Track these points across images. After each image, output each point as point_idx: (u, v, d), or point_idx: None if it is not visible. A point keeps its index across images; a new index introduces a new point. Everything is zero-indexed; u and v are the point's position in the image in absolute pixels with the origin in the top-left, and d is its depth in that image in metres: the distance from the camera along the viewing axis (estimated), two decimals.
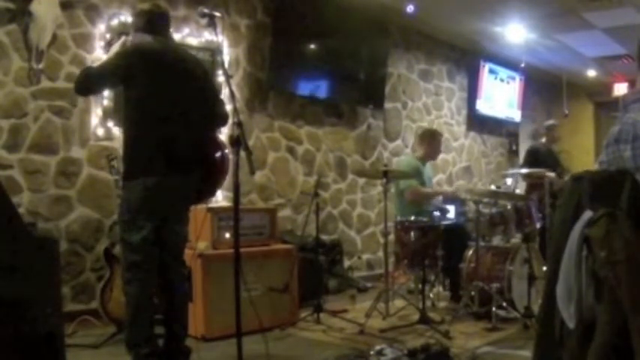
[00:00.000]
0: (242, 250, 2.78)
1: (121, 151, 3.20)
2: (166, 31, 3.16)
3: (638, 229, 1.68)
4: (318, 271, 4.83)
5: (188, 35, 4.89)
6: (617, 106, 2.00)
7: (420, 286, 4.32)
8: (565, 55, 7.92)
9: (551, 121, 6.63)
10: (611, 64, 8.47)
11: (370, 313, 4.08)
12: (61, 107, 4.21)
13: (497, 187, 5.39)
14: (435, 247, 4.28)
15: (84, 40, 4.32)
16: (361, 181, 6.44)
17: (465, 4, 6.08)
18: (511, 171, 5.34)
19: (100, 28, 4.38)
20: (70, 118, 4.26)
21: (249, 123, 5.30)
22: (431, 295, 4.68)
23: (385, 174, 4.27)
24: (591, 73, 8.94)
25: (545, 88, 9.60)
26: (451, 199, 5.05)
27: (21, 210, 3.88)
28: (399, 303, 4.44)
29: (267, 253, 4.17)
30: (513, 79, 8.57)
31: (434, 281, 4.77)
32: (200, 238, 3.79)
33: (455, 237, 4.58)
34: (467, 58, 7.92)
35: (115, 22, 4.43)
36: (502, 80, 8.36)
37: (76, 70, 3.87)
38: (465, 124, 8.11)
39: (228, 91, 2.86)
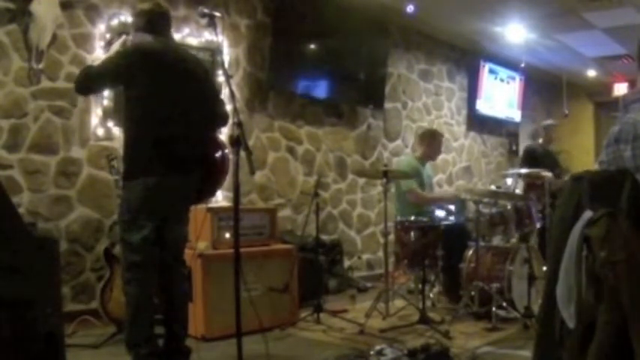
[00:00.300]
0: (242, 250, 2.78)
1: (121, 151, 3.21)
2: (167, 31, 3.16)
3: (638, 229, 1.68)
4: (318, 271, 4.83)
5: (188, 35, 4.89)
6: (617, 106, 2.00)
7: (420, 286, 4.32)
8: (565, 55, 7.92)
9: (548, 121, 6.62)
10: (611, 64, 8.47)
11: (370, 313, 4.08)
12: (61, 107, 4.21)
13: (497, 187, 5.39)
14: (435, 247, 4.28)
15: (84, 40, 4.32)
16: (361, 181, 6.44)
17: (465, 4, 6.08)
18: (511, 171, 5.33)
19: (100, 28, 4.38)
20: (70, 118, 4.26)
21: (249, 123, 5.30)
22: (431, 295, 4.68)
23: (385, 174, 4.27)
24: (591, 73, 8.93)
25: (545, 88, 9.60)
26: (453, 202, 5.04)
27: (21, 210, 3.88)
28: (399, 303, 4.44)
29: (267, 253, 4.17)
30: (513, 79, 8.57)
31: (434, 281, 4.77)
32: (200, 238, 3.79)
33: (455, 237, 4.58)
34: (467, 58, 7.92)
35: (115, 22, 4.43)
36: (502, 80, 8.36)
37: (76, 70, 3.87)
38: (465, 124, 8.11)
39: (228, 91, 2.86)
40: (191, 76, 3.11)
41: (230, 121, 3.09)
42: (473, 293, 4.24)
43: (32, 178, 4.07)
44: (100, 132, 4.39)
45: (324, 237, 5.70)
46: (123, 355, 3.07)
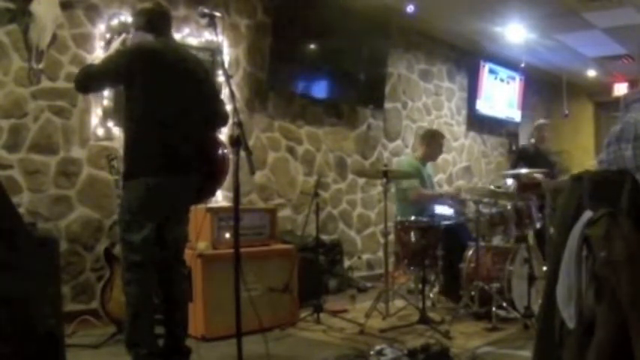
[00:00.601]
0: (242, 250, 2.78)
1: (121, 151, 3.21)
2: (167, 31, 3.16)
3: (638, 229, 1.68)
4: (318, 271, 4.83)
5: (188, 35, 4.89)
6: (617, 106, 2.00)
7: (420, 286, 4.32)
8: (565, 55, 7.92)
9: (540, 121, 6.63)
10: (611, 64, 8.47)
11: (370, 313, 4.08)
12: (61, 107, 4.20)
13: (497, 187, 5.39)
14: (435, 247, 4.29)
15: (84, 40, 4.32)
16: (361, 181, 6.43)
17: (465, 4, 6.08)
18: (511, 171, 5.33)
19: (100, 28, 4.37)
20: (70, 118, 4.25)
21: (249, 123, 5.30)
22: (431, 295, 4.68)
23: (385, 174, 4.27)
24: (591, 73, 8.93)
25: (545, 88, 9.60)
26: (454, 199, 5.04)
27: (21, 210, 3.88)
28: (399, 303, 4.44)
29: (267, 253, 4.17)
30: (513, 79, 8.56)
31: (434, 281, 4.77)
32: (200, 238, 3.79)
33: (455, 237, 4.58)
34: (467, 58, 7.92)
35: (115, 22, 4.43)
36: (502, 80, 8.36)
37: (75, 71, 3.84)
38: (465, 124, 8.11)
39: (228, 91, 2.86)
40: (191, 75, 3.11)
41: (230, 121, 3.09)
42: (473, 293, 4.24)
43: (32, 178, 4.07)
44: (100, 132, 4.39)
45: (324, 237, 5.70)
46: (123, 355, 3.07)
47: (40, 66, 4.08)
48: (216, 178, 3.19)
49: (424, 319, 3.98)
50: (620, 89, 9.08)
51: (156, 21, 3.10)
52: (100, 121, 4.38)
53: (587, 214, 1.74)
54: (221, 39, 4.87)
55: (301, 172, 5.84)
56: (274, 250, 4.24)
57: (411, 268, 4.44)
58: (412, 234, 4.31)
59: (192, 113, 3.06)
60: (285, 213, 5.59)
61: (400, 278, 5.21)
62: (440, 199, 5.09)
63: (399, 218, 4.60)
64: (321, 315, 4.25)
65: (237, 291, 2.65)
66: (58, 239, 3.93)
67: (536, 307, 3.95)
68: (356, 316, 4.33)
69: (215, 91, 3.49)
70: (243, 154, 2.64)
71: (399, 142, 6.94)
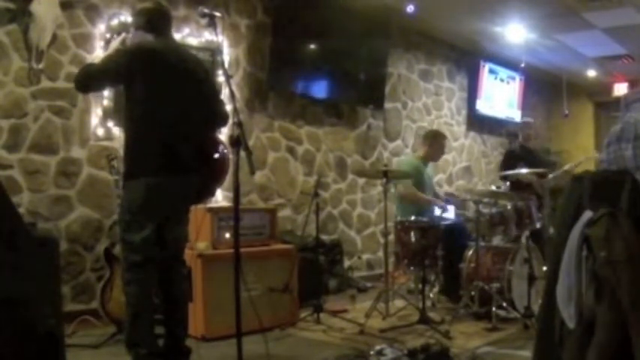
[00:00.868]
0: (242, 250, 2.78)
1: (121, 151, 3.21)
2: (167, 31, 3.16)
3: (639, 229, 1.68)
4: (318, 271, 4.83)
5: (188, 35, 4.89)
6: (617, 106, 2.00)
7: (420, 286, 4.32)
8: (565, 55, 7.92)
9: (524, 119, 6.65)
10: (611, 64, 8.47)
11: (370, 313, 4.08)
12: (61, 107, 4.20)
13: (497, 187, 5.39)
14: (435, 247, 4.28)
15: (84, 40, 4.32)
16: (361, 181, 6.43)
17: (465, 4, 6.08)
18: (511, 171, 5.33)
19: (100, 28, 4.37)
20: (70, 118, 4.25)
21: (249, 123, 5.30)
22: (431, 295, 4.68)
23: (385, 174, 4.27)
24: (591, 73, 8.93)
25: (545, 88, 9.60)
26: (442, 207, 4.94)
27: (21, 210, 3.88)
28: (399, 303, 4.44)
29: (267, 253, 4.17)
30: (513, 79, 8.56)
31: (434, 281, 4.76)
32: (200, 238, 3.80)
33: (455, 237, 4.58)
34: (467, 58, 7.92)
35: (115, 22, 4.43)
36: (502, 80, 8.36)
37: (75, 71, 3.85)
38: (465, 124, 8.11)
39: (228, 91, 2.86)
40: (191, 75, 3.11)
41: (230, 121, 3.09)
42: (473, 293, 4.24)
43: (32, 178, 4.07)
44: (100, 132, 4.39)
45: (324, 237, 5.70)
46: (123, 355, 3.07)
47: (40, 66, 4.08)
48: (216, 178, 3.20)
49: (424, 319, 3.98)
50: (620, 89, 9.08)
51: (156, 21, 3.10)
52: (100, 121, 4.38)
53: (587, 214, 1.74)
54: (221, 39, 4.87)
55: (301, 172, 5.84)
56: (274, 250, 4.24)
57: (411, 268, 4.45)
58: (412, 234, 4.31)
59: (192, 113, 3.06)
60: (285, 213, 5.59)
61: (400, 278, 5.21)
62: (427, 205, 4.99)
63: (399, 218, 4.60)
64: (321, 315, 4.25)
65: (237, 291, 2.65)
66: (58, 239, 3.93)
67: (536, 307, 3.95)
68: (356, 316, 4.33)
69: (215, 91, 3.48)
70: (243, 154, 2.64)
71: (399, 142, 6.94)
